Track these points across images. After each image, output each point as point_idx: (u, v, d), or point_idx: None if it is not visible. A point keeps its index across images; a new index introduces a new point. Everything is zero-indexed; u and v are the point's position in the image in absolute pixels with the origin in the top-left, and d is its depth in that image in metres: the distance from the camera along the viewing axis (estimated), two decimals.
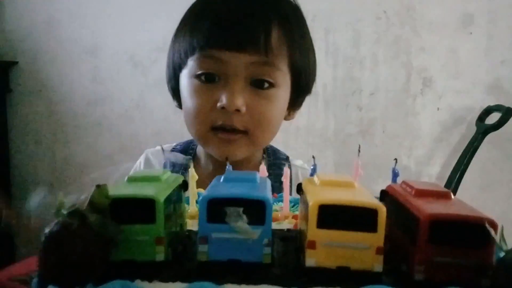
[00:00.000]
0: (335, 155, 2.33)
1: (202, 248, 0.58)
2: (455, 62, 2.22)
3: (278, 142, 2.20)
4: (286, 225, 0.74)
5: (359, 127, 2.31)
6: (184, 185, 0.71)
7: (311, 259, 0.56)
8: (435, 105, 2.26)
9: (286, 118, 0.95)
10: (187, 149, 1.07)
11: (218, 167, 0.95)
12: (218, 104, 0.83)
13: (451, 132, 2.26)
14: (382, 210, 0.54)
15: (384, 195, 0.70)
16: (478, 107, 2.18)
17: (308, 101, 2.22)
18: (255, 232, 0.58)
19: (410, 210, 0.59)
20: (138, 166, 1.11)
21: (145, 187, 0.62)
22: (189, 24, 0.87)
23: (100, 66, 2.36)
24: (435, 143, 2.29)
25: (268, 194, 0.60)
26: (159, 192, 0.59)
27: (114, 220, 0.57)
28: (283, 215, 0.79)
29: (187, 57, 0.86)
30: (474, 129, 2.14)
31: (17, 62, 2.36)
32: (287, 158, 1.07)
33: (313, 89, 2.06)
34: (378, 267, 0.56)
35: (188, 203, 0.79)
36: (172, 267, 0.59)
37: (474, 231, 0.53)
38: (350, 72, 2.27)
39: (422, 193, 0.62)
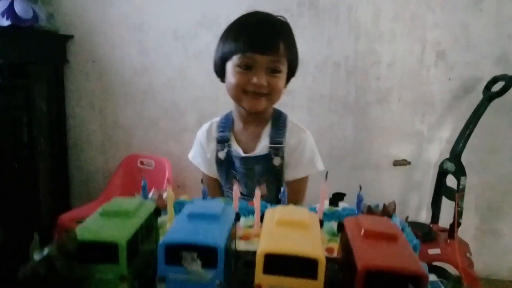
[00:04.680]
0: (355, 121, 2.55)
1: (161, 287, 0.64)
2: (466, 36, 2.40)
3: (303, 108, 2.47)
4: (256, 244, 0.74)
5: (377, 96, 2.52)
6: (157, 212, 0.81)
7: None
8: (447, 75, 2.46)
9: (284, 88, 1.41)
10: (227, 118, 1.51)
11: (246, 123, 1.46)
12: (252, 81, 1.30)
13: (461, 100, 2.46)
14: (322, 260, 0.61)
15: (341, 228, 0.77)
16: (486, 78, 2.36)
17: (330, 71, 2.47)
18: (208, 276, 0.62)
19: (353, 254, 0.65)
20: (199, 145, 1.53)
21: (113, 226, 0.68)
22: (234, 35, 1.34)
23: (146, 40, 2.58)
24: (446, 110, 2.50)
25: (223, 238, 0.65)
26: (123, 234, 0.65)
27: (81, 261, 0.63)
28: (254, 234, 0.88)
29: (233, 55, 1.33)
30: (481, 97, 2.32)
31: (72, 36, 2.60)
32: (286, 116, 1.49)
33: (336, 61, 2.33)
34: None
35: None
36: None
37: (405, 283, 0.59)
38: (370, 45, 2.48)
39: (370, 235, 0.69)
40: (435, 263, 2.10)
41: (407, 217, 0.97)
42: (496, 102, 2.26)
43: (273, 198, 1.42)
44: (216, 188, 1.53)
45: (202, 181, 1.45)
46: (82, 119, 2.70)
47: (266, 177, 1.42)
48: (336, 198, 1.07)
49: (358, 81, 2.52)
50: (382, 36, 2.47)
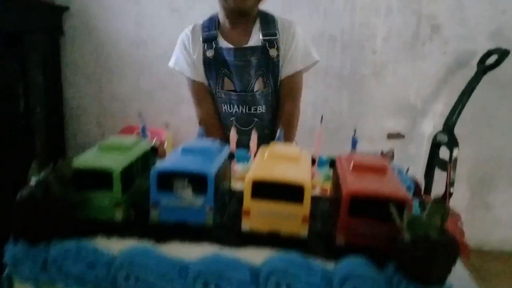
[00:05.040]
0: (350, 94, 2.56)
1: (154, 212, 0.67)
2: (461, 10, 2.41)
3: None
4: None
5: (372, 69, 2.52)
6: (154, 151, 0.84)
7: (246, 225, 0.66)
8: (441, 49, 2.47)
9: None
10: (211, 19, 1.46)
11: (233, 23, 1.41)
12: None
13: (455, 74, 2.47)
14: (308, 186, 0.63)
15: (333, 165, 0.79)
16: (480, 52, 2.37)
17: (326, 45, 2.47)
18: (198, 201, 0.66)
19: (340, 184, 0.67)
20: (183, 48, 1.50)
21: (109, 157, 0.71)
22: None
23: (142, 12, 2.56)
24: (440, 84, 2.51)
25: (214, 167, 0.67)
26: (117, 164, 0.68)
27: (78, 187, 0.66)
28: None
29: None
30: (475, 71, 2.33)
31: (68, 7, 2.57)
32: (272, 14, 1.45)
33: (332, 34, 2.30)
34: (304, 233, 0.65)
35: None
36: (129, 227, 0.69)
37: (387, 207, 0.60)
38: (366, 18, 2.47)
39: (359, 168, 0.71)
40: None
41: (407, 168, 0.99)
42: (489, 76, 2.28)
43: (272, 93, 1.43)
44: (210, 104, 1.48)
45: (200, 123, 1.45)
46: (79, 90, 2.69)
47: (262, 71, 1.40)
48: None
49: (353, 55, 2.52)
50: (378, 9, 2.46)
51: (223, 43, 1.40)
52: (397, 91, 2.55)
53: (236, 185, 0.88)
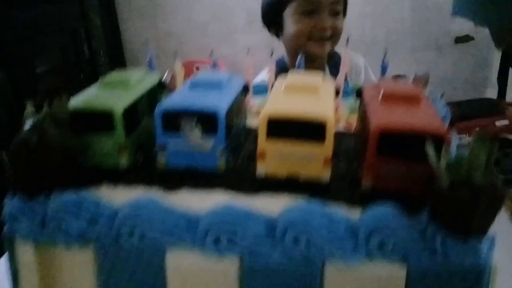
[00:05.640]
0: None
1: (161, 156, 0.61)
2: None
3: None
4: None
5: None
6: (162, 85, 0.75)
7: (262, 169, 0.59)
8: None
9: None
10: (279, 65, 1.41)
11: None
12: (318, 26, 1.29)
13: None
14: (330, 122, 0.56)
15: (359, 95, 0.70)
16: None
17: None
18: (208, 143, 0.59)
19: (367, 118, 0.58)
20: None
21: (110, 95, 0.63)
22: None
23: None
24: None
25: (225, 104, 0.60)
26: (119, 103, 0.61)
27: (77, 131, 0.59)
28: None
29: (291, 2, 1.31)
30: None
31: None
32: (339, 54, 1.41)
33: None
34: (325, 176, 0.58)
35: None
36: (135, 174, 0.63)
37: (422, 144, 0.51)
38: None
39: (389, 98, 0.62)
40: (503, 136, 2.00)
41: (442, 94, 0.89)
42: None
43: None
44: None
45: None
46: (135, 30, 2.72)
47: None
48: None
49: None
50: None
51: None
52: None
53: (253, 121, 0.80)
